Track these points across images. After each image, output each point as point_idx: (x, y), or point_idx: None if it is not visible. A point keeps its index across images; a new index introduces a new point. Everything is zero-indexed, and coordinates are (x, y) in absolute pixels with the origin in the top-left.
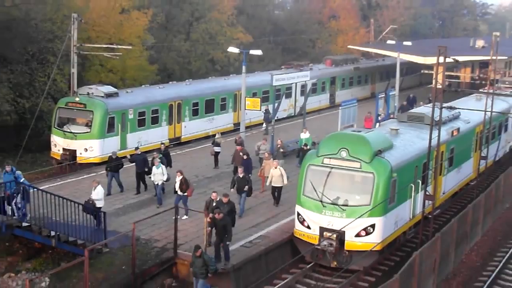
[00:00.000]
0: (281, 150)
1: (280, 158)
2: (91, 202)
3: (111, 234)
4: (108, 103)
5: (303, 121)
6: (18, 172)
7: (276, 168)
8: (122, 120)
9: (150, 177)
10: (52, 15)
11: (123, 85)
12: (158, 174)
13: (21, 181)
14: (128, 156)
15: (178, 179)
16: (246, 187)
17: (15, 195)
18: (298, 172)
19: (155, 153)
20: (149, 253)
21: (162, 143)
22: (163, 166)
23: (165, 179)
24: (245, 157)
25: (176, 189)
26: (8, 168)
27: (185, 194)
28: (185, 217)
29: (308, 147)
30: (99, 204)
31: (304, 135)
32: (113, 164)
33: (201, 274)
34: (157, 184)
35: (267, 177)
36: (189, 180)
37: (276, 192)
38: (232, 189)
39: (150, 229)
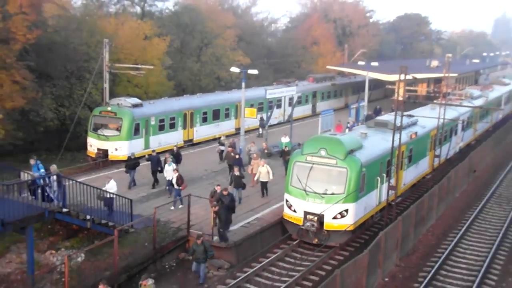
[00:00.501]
0: (266, 151)
1: (265, 158)
2: (101, 195)
3: (136, 217)
4: (134, 111)
5: (291, 127)
6: (41, 165)
7: (263, 166)
8: (146, 126)
9: (163, 174)
10: (87, 40)
11: (146, 98)
12: (169, 171)
13: (41, 171)
14: (146, 156)
15: (175, 176)
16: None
17: (45, 185)
18: (282, 169)
19: (167, 154)
20: (167, 232)
21: (175, 145)
22: (174, 165)
23: (176, 174)
24: (237, 156)
25: (173, 183)
26: (32, 162)
27: (180, 187)
28: (180, 206)
29: (288, 149)
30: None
31: (285, 139)
32: (130, 163)
33: (203, 259)
34: (169, 179)
35: (256, 173)
36: (184, 177)
37: (264, 186)
38: (230, 186)
39: (168, 213)
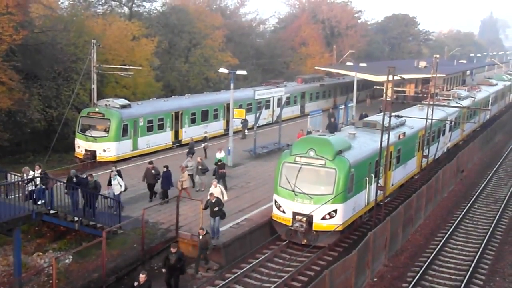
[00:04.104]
0: (200, 167)
1: (200, 175)
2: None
3: (125, 219)
4: (122, 112)
5: (279, 127)
6: None
7: (216, 187)
8: (134, 127)
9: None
10: (75, 41)
11: (134, 98)
12: (115, 185)
13: None
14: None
15: (38, 173)
16: (218, 209)
17: None
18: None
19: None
20: (156, 233)
21: (114, 165)
22: (119, 178)
23: (123, 189)
24: (164, 168)
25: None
26: None
27: (45, 187)
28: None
29: (221, 162)
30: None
31: (220, 155)
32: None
33: None
34: (116, 193)
35: (183, 188)
36: (171, 177)
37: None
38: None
39: (156, 214)
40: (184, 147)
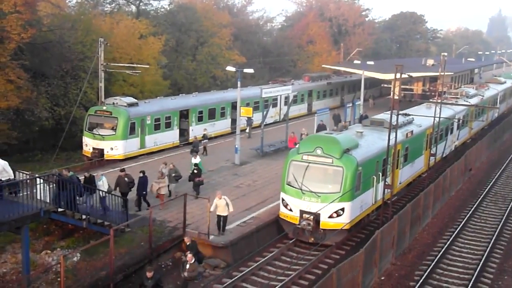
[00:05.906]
0: (173, 174)
1: (173, 182)
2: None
3: (132, 217)
4: (130, 111)
5: (286, 125)
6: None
7: (220, 198)
8: (142, 125)
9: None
10: (82, 39)
11: (142, 97)
12: (100, 186)
13: None
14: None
15: None
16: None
17: None
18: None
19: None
20: (163, 231)
21: (86, 172)
22: (104, 179)
23: (105, 189)
24: (144, 178)
25: None
26: None
27: None
28: None
29: (196, 170)
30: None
31: (195, 160)
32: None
33: None
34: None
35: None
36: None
37: (222, 220)
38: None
39: (164, 212)
40: (191, 145)
